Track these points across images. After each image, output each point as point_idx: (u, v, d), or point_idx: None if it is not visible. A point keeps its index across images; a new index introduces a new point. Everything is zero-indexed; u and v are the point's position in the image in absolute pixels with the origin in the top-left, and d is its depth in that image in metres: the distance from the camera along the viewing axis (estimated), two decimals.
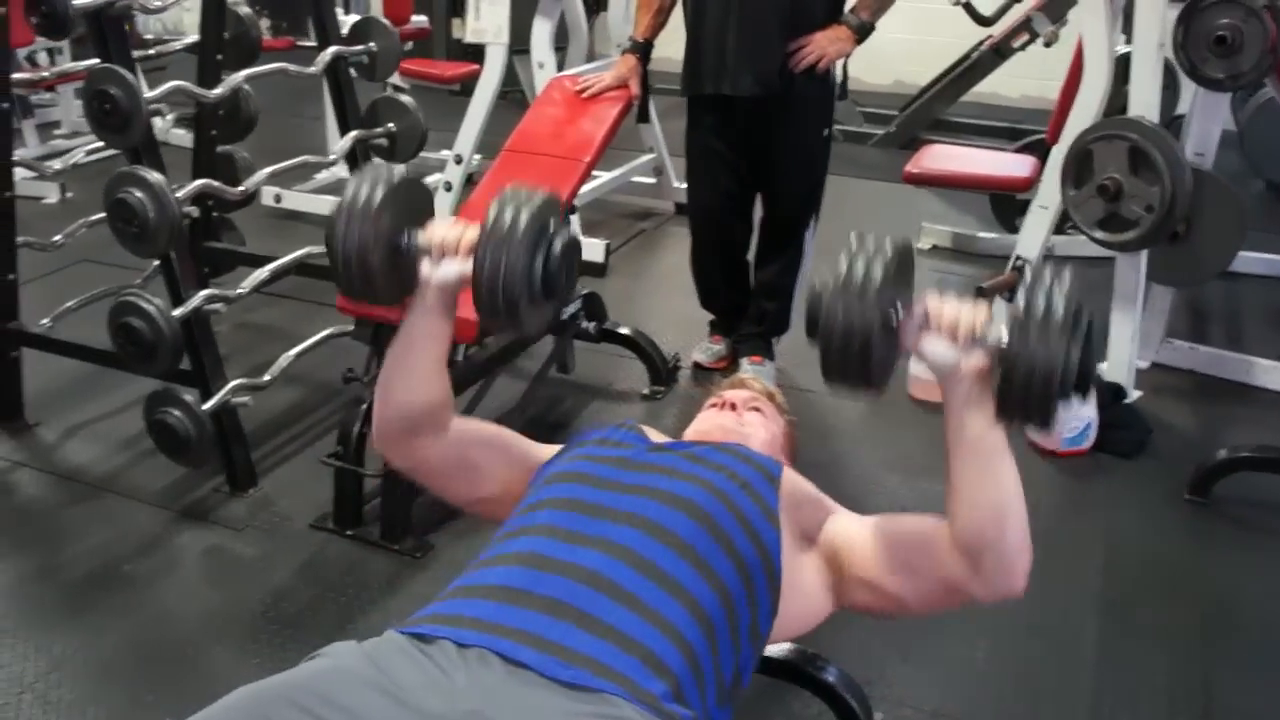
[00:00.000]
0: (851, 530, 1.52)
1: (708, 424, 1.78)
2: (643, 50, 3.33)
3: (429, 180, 4.70)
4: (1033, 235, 3.57)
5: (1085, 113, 3.33)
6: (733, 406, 1.80)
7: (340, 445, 2.71)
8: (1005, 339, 1.29)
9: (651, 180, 5.22)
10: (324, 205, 4.85)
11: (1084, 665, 2.36)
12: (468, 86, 4.92)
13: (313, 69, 3.15)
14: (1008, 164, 4.21)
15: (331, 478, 2.74)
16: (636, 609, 1.28)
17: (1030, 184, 4.01)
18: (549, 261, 1.42)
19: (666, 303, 4.20)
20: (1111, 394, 3.27)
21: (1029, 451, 3.17)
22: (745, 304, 3.61)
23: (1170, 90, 4.01)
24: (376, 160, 1.47)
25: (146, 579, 2.56)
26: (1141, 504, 2.97)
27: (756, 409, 1.81)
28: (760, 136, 3.25)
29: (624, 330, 3.53)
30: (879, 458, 3.19)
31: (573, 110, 3.25)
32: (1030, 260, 3.60)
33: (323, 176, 5.15)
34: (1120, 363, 3.38)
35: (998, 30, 5.81)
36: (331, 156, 3.22)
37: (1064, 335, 1.24)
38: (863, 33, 3.16)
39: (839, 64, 3.29)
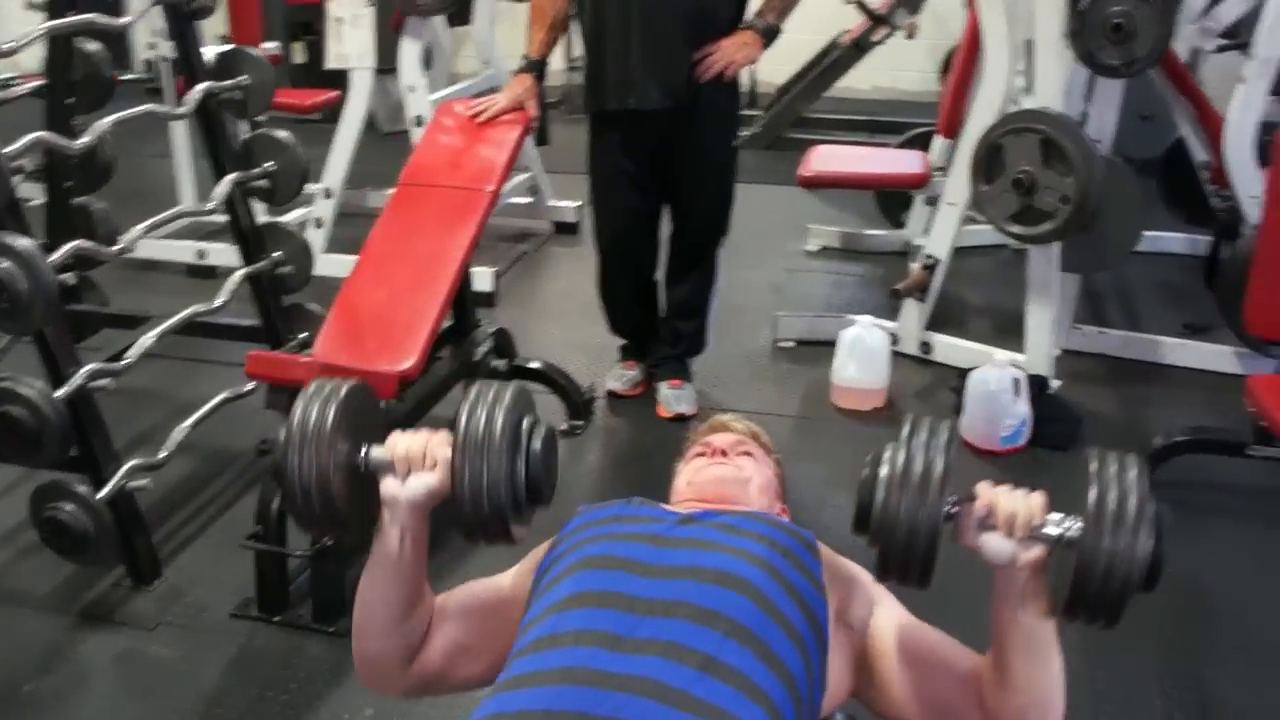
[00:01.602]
0: (890, 639, 1.41)
1: (703, 476, 1.63)
2: (537, 69, 3.13)
3: (295, 216, 4.42)
4: (942, 232, 3.53)
5: (988, 107, 3.30)
6: (723, 453, 1.66)
7: (259, 525, 2.46)
8: (1069, 531, 1.22)
9: (528, 200, 5.03)
10: (183, 252, 4.50)
11: (1076, 676, 2.29)
12: (327, 114, 4.65)
13: (182, 110, 2.87)
14: (900, 161, 4.19)
15: (245, 557, 2.47)
16: (707, 714, 1.15)
17: (926, 180, 3.99)
18: (530, 463, 1.33)
19: (565, 329, 4.02)
20: (1038, 386, 3.25)
21: (965, 451, 3.12)
22: (655, 326, 3.47)
23: None
24: (316, 380, 1.31)
25: (53, 699, 2.26)
26: None
27: (747, 453, 1.68)
28: (669, 151, 3.11)
29: (535, 364, 3.35)
30: (820, 475, 3.09)
31: (469, 137, 3.04)
32: (941, 259, 3.57)
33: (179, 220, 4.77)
34: (1040, 354, 3.36)
35: (855, 24, 5.83)
36: (209, 204, 2.93)
37: (1139, 529, 1.19)
38: (770, 36, 3.05)
39: (745, 70, 3.17)
